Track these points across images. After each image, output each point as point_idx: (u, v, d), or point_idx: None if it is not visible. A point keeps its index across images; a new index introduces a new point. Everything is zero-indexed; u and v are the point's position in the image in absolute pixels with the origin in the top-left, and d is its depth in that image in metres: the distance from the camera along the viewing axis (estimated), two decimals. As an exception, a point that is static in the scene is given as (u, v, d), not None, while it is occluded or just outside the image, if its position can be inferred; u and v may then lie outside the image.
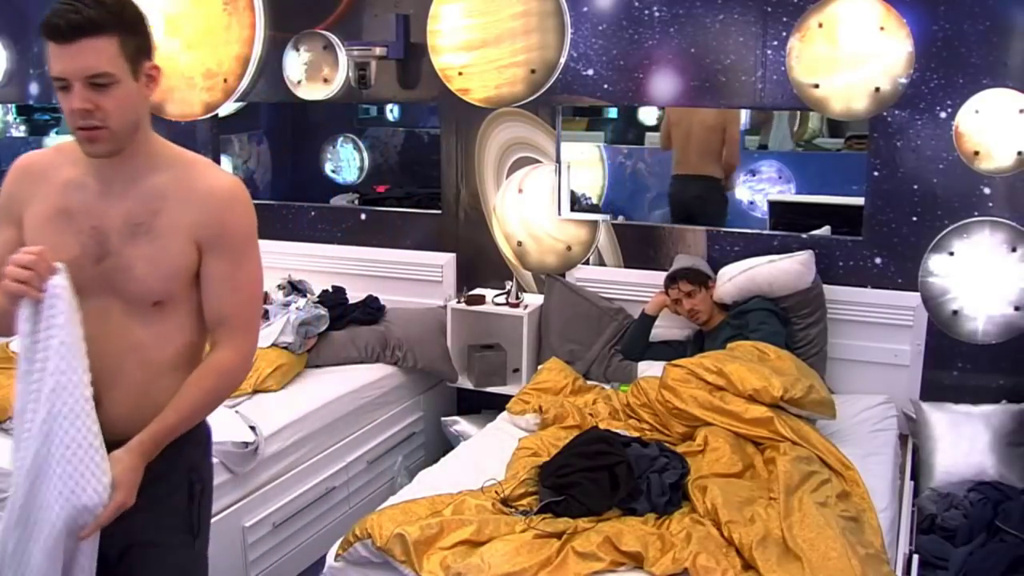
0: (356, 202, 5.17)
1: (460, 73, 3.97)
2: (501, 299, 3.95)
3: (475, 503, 2.50)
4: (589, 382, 3.65)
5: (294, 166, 5.84)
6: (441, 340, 3.95)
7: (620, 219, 4.15)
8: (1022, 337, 3.40)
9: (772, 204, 4.98)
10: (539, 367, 3.71)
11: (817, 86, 3.47)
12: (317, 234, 4.46)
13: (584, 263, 3.98)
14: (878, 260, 3.55)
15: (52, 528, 1.57)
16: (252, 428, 3.04)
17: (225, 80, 4.34)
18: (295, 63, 4.24)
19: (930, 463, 3.22)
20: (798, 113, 5.56)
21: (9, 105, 5.74)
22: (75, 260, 1.63)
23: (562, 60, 3.81)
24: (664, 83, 3.70)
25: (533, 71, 3.86)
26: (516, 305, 3.89)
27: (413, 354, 3.86)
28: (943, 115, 3.37)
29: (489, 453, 2.99)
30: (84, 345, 1.59)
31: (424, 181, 4.98)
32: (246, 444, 2.95)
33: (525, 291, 4.04)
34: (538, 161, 4.02)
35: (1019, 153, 3.31)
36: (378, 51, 4.03)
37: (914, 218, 3.47)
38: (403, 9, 4.05)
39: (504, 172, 4.09)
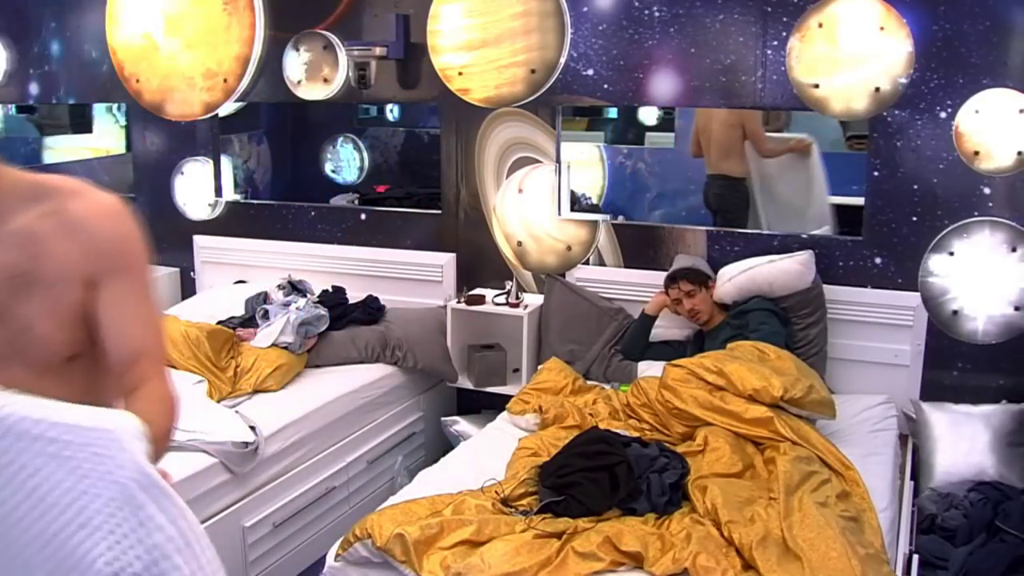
0: (356, 202, 5.16)
1: (460, 73, 3.96)
2: (501, 299, 3.95)
3: (475, 503, 2.50)
4: (589, 382, 3.65)
5: (294, 166, 5.82)
6: (441, 340, 3.95)
7: (620, 219, 4.15)
8: (1022, 337, 3.40)
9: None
10: (539, 367, 3.71)
11: (817, 86, 3.47)
12: (317, 234, 4.46)
13: (584, 263, 3.98)
14: (878, 260, 3.55)
15: None
16: (252, 428, 3.05)
17: (225, 80, 4.34)
18: (295, 63, 4.24)
19: (930, 463, 3.22)
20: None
21: (9, 105, 5.74)
22: None
23: (562, 60, 3.81)
24: (664, 83, 3.70)
25: (533, 71, 3.86)
26: (516, 305, 3.89)
27: (413, 354, 3.86)
28: (943, 115, 3.37)
29: (489, 453, 2.99)
30: None
31: (424, 181, 4.97)
32: (246, 444, 2.96)
33: (525, 291, 4.04)
34: (538, 161, 4.02)
35: (1019, 153, 3.31)
36: (378, 51, 4.03)
37: (914, 218, 3.47)
38: (403, 9, 4.05)
39: (504, 172, 4.09)
